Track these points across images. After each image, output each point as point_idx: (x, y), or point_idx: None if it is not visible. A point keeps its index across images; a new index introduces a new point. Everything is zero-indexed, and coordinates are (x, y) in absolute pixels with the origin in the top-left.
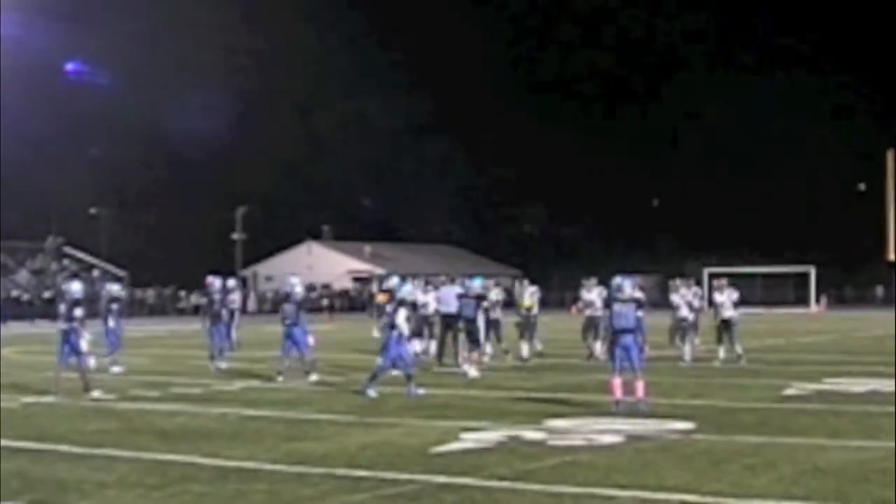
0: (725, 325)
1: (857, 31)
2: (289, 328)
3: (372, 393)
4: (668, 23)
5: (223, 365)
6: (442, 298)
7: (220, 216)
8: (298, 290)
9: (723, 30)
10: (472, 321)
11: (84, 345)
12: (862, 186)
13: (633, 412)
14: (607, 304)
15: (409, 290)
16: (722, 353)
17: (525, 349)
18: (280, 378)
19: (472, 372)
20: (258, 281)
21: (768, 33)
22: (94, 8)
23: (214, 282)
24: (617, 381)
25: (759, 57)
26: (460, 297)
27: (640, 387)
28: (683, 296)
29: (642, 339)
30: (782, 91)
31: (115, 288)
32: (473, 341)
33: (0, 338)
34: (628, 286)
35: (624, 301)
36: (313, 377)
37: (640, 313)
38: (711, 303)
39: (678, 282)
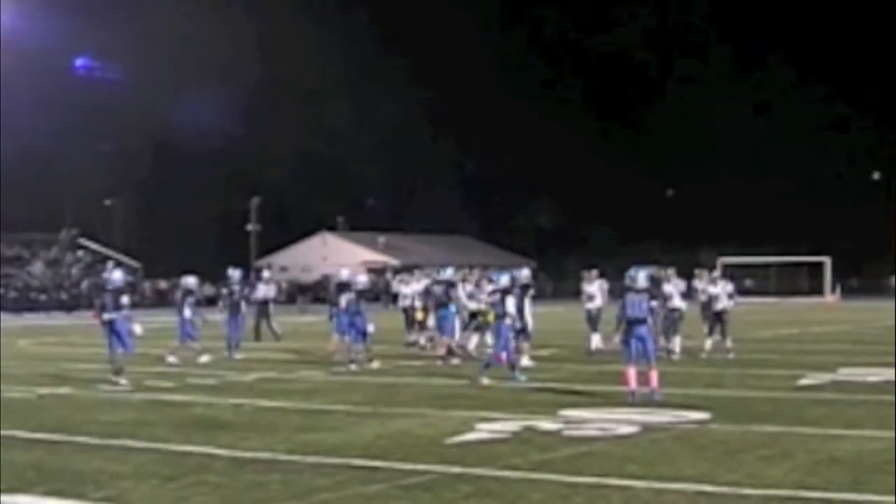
0: (718, 317)
1: (877, 21)
2: (352, 317)
3: (485, 381)
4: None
5: (239, 356)
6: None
7: (234, 207)
8: (361, 278)
9: (737, 20)
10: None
11: (138, 329)
12: (876, 176)
13: (647, 402)
14: (621, 294)
15: (526, 275)
16: (709, 344)
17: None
18: (353, 366)
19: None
20: (273, 271)
21: (783, 23)
22: (107, 2)
23: (234, 273)
24: (632, 372)
25: (776, 47)
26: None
27: (654, 377)
28: (676, 285)
29: (656, 329)
30: (798, 80)
31: (190, 280)
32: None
33: (0, 329)
34: (642, 277)
35: (637, 291)
36: (375, 364)
37: (653, 303)
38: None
39: (669, 271)
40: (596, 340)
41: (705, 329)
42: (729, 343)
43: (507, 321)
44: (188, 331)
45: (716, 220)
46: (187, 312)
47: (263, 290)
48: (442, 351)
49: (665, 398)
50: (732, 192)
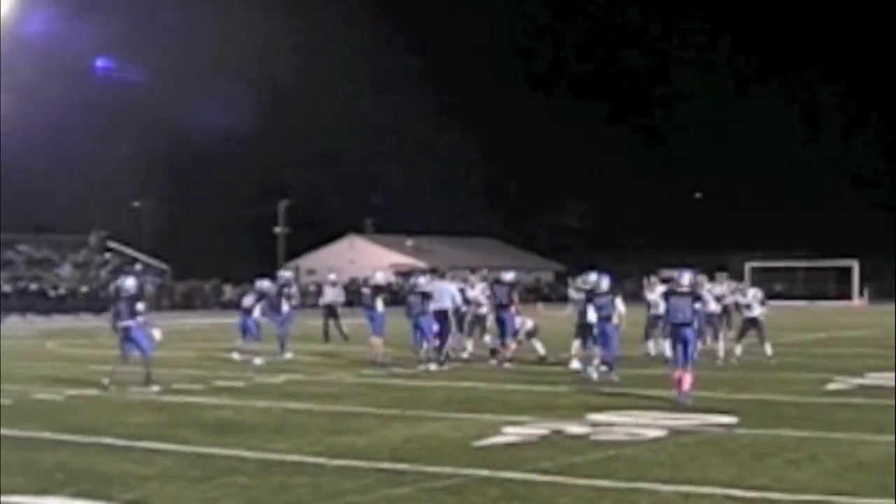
0: (752, 324)
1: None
2: (416, 318)
3: (614, 377)
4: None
5: (288, 356)
6: (436, 294)
7: (262, 210)
8: (422, 280)
9: (766, 21)
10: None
11: (157, 334)
12: None
13: (706, 406)
14: (665, 297)
15: (593, 280)
16: (738, 350)
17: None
18: (433, 366)
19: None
20: (300, 274)
21: (810, 24)
22: (134, 3)
23: (284, 274)
24: (678, 375)
25: (806, 50)
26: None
27: (687, 380)
28: (710, 290)
29: (700, 331)
30: (827, 83)
31: (265, 284)
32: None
33: (29, 331)
34: (686, 279)
35: (682, 295)
36: (433, 367)
37: (697, 306)
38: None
39: (651, 279)
40: (655, 346)
41: (727, 334)
42: (768, 349)
43: (615, 322)
44: (254, 331)
45: (743, 223)
46: (257, 313)
47: (332, 294)
48: (508, 353)
49: (694, 402)
50: (760, 195)
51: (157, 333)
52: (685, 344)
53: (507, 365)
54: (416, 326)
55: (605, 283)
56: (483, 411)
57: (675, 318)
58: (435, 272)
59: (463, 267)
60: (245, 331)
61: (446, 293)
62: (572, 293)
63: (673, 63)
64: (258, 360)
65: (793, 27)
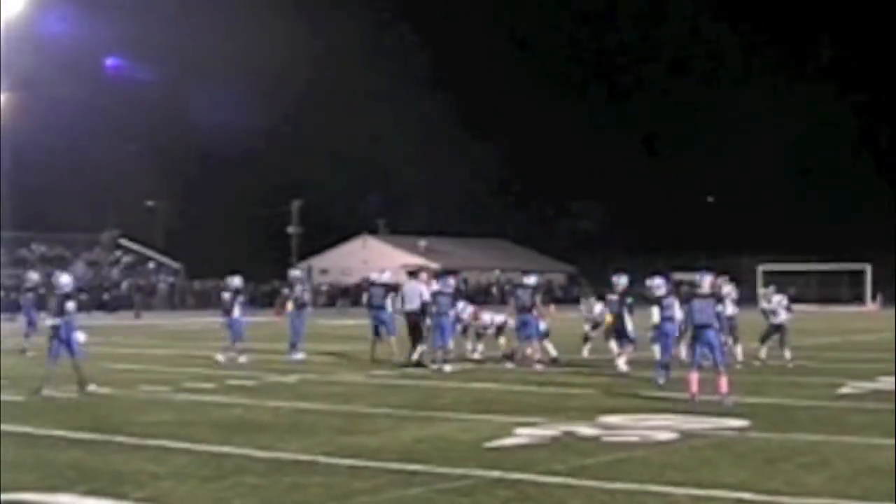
0: (777, 329)
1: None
2: (439, 318)
3: (661, 380)
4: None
5: (300, 356)
6: (407, 296)
7: (276, 209)
8: (452, 281)
9: (778, 28)
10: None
11: (81, 337)
12: None
13: (718, 409)
14: (686, 299)
15: (624, 282)
16: (763, 352)
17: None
18: (448, 367)
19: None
20: (313, 274)
21: (828, 31)
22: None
23: (296, 273)
24: (694, 376)
25: (812, 54)
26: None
27: (723, 383)
28: (729, 293)
29: (724, 334)
30: (839, 87)
31: (236, 280)
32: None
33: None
34: (707, 282)
35: (703, 297)
36: (448, 368)
37: (719, 308)
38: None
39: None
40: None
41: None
42: (787, 353)
43: (673, 323)
44: (239, 330)
45: (756, 226)
46: (236, 312)
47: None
48: (538, 356)
49: (734, 405)
50: (774, 199)
51: (80, 336)
52: (710, 347)
53: (538, 367)
54: (437, 326)
55: (663, 286)
56: (494, 412)
57: (698, 320)
58: (449, 273)
59: (475, 268)
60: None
61: (416, 294)
62: (611, 296)
63: (689, 67)
64: (242, 359)
65: (810, 32)
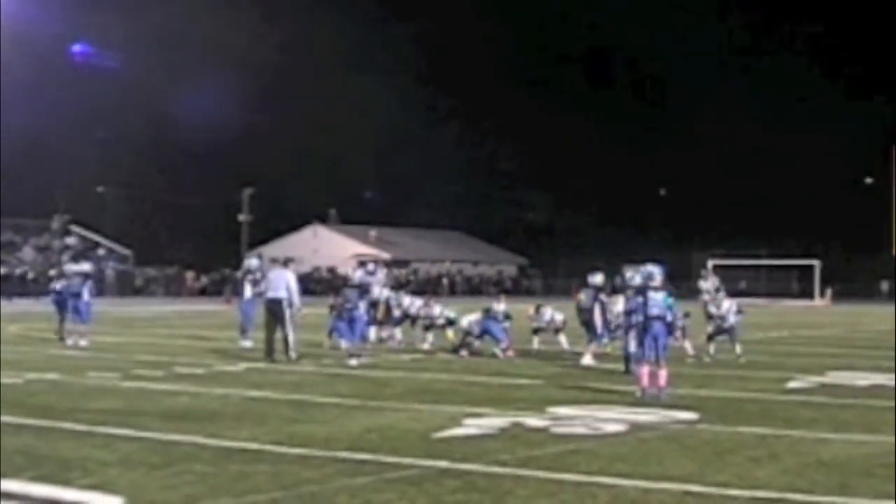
0: (725, 331)
1: (865, 23)
2: (349, 311)
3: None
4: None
5: (248, 343)
6: (272, 283)
7: (226, 197)
8: (375, 269)
9: (730, 19)
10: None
11: None
12: (869, 180)
13: (654, 402)
14: (639, 292)
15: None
16: (712, 349)
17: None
18: (353, 361)
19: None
20: (264, 263)
21: (777, 24)
22: None
23: (253, 262)
24: (645, 370)
25: (767, 48)
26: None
27: (663, 375)
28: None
29: (674, 327)
30: (790, 82)
31: (72, 267)
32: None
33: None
34: (659, 274)
35: (656, 289)
36: (353, 362)
37: (670, 301)
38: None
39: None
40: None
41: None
42: (738, 348)
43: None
44: (83, 313)
45: (708, 220)
46: (86, 295)
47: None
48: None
49: (668, 398)
50: (725, 193)
51: None
52: (655, 339)
53: (590, 361)
54: (351, 320)
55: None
56: (444, 403)
57: (650, 312)
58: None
59: (426, 259)
60: (77, 312)
61: (282, 281)
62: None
63: (641, 59)
64: (83, 342)
65: (755, 20)
